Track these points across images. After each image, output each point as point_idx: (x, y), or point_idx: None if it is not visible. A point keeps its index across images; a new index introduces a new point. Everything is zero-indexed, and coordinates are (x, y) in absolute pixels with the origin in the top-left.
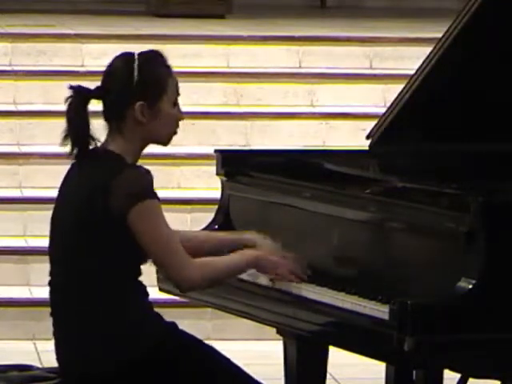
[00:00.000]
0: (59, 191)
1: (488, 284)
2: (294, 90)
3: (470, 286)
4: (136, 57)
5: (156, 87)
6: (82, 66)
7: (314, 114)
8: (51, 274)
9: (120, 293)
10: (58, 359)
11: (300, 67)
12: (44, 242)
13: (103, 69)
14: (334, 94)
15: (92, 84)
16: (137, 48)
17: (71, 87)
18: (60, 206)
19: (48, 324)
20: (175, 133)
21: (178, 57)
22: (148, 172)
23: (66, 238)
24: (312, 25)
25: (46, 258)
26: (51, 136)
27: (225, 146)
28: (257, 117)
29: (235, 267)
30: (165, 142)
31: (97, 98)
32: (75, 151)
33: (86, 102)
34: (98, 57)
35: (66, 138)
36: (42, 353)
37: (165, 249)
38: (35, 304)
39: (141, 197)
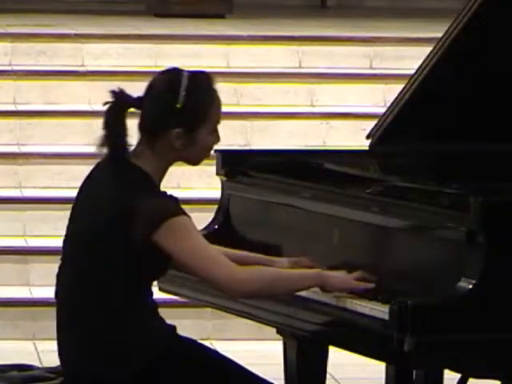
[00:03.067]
0: (79, 193)
1: (488, 284)
2: (294, 90)
3: (470, 286)
4: (183, 79)
5: (197, 117)
6: (82, 65)
7: (314, 113)
8: (59, 272)
9: (128, 299)
10: (62, 360)
11: (300, 67)
12: (44, 242)
13: (103, 69)
14: (334, 94)
15: (92, 84)
16: (137, 48)
17: (113, 92)
18: (78, 210)
19: (48, 324)
20: (207, 156)
21: (178, 57)
22: (171, 197)
23: (81, 243)
24: (312, 25)
25: (46, 257)
26: (51, 136)
27: (225, 146)
28: (257, 117)
29: (294, 276)
30: (196, 164)
31: (136, 107)
32: (110, 156)
33: (125, 110)
34: (98, 57)
35: (102, 144)
36: (42, 353)
37: (205, 261)
38: (35, 304)
39: (162, 219)
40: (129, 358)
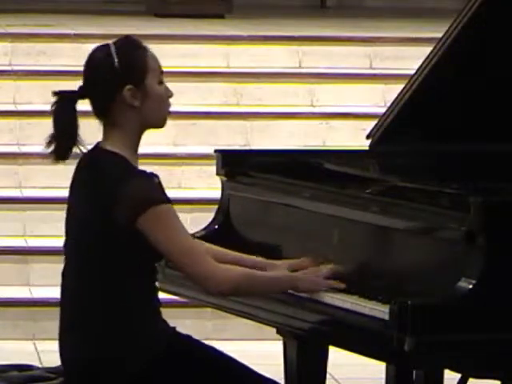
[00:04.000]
0: (69, 194)
1: (488, 284)
2: (294, 90)
3: (470, 286)
4: (110, 46)
5: (138, 67)
6: (82, 66)
7: (314, 113)
8: (64, 271)
9: (127, 297)
10: (63, 358)
11: (300, 67)
12: (44, 242)
13: None
14: (334, 94)
15: None
16: None
17: (54, 93)
18: (70, 211)
19: (48, 324)
20: (169, 113)
21: (177, 57)
22: (152, 176)
23: (76, 243)
24: (312, 25)
25: (46, 257)
26: None
27: (225, 146)
28: (257, 117)
29: (271, 278)
30: (161, 124)
31: (82, 97)
32: (58, 153)
33: (73, 104)
34: None
35: (50, 141)
36: (42, 353)
37: (183, 251)
38: (35, 304)
39: (146, 205)
40: (128, 358)
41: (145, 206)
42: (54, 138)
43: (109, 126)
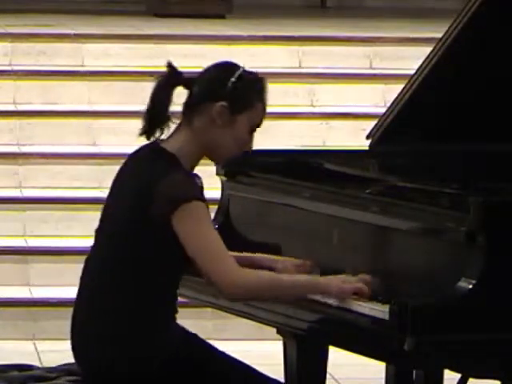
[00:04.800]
0: (113, 183)
1: (488, 284)
2: (294, 90)
3: (470, 286)
4: (240, 67)
5: (244, 100)
6: (82, 66)
7: (314, 113)
8: (84, 271)
9: (150, 298)
10: (77, 356)
11: (300, 67)
12: (44, 242)
13: (103, 69)
14: (334, 94)
15: (92, 84)
16: (137, 48)
17: (168, 64)
18: (110, 200)
19: (48, 324)
20: (234, 155)
21: (177, 57)
22: (193, 175)
23: (112, 239)
24: (312, 25)
25: (46, 257)
26: (51, 136)
27: None
28: None
29: (293, 286)
30: (220, 159)
31: (186, 84)
32: (148, 128)
33: (174, 86)
34: (98, 57)
35: (145, 115)
36: (42, 353)
37: (207, 251)
38: (35, 304)
39: (182, 200)
40: (146, 359)
41: (178, 202)
42: (148, 111)
43: (183, 124)
